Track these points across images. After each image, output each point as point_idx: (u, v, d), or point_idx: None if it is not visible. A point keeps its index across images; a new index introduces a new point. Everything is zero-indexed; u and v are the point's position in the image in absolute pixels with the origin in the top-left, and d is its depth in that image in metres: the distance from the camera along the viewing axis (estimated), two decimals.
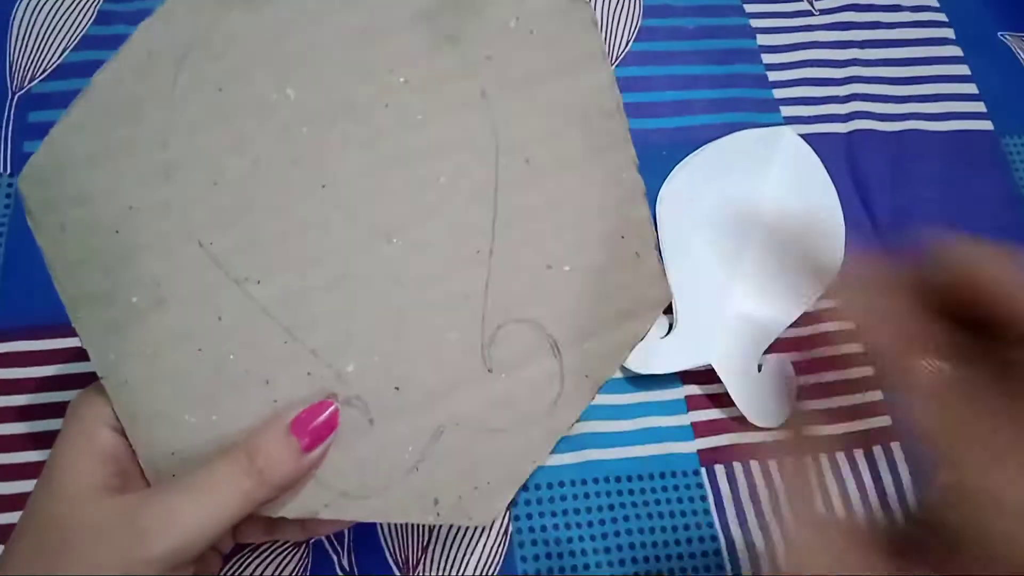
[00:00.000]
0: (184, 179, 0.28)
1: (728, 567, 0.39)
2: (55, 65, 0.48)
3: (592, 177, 0.33)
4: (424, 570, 0.38)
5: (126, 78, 0.27)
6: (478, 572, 0.38)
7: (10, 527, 0.28)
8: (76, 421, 0.29)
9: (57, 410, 0.39)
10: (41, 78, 0.48)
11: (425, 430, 0.31)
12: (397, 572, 0.38)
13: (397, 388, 0.31)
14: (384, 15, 0.30)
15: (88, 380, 0.30)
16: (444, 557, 0.38)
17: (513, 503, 0.37)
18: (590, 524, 0.39)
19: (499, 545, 0.39)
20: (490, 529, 0.39)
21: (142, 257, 0.28)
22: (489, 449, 0.32)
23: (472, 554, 0.38)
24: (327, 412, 0.29)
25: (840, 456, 0.42)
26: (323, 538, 0.38)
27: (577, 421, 0.33)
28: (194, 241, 0.28)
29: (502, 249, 0.32)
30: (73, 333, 0.29)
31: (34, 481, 0.28)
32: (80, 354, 0.30)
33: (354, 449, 0.31)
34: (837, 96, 0.52)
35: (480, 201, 0.31)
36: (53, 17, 0.50)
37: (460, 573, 0.38)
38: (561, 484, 0.40)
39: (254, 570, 0.37)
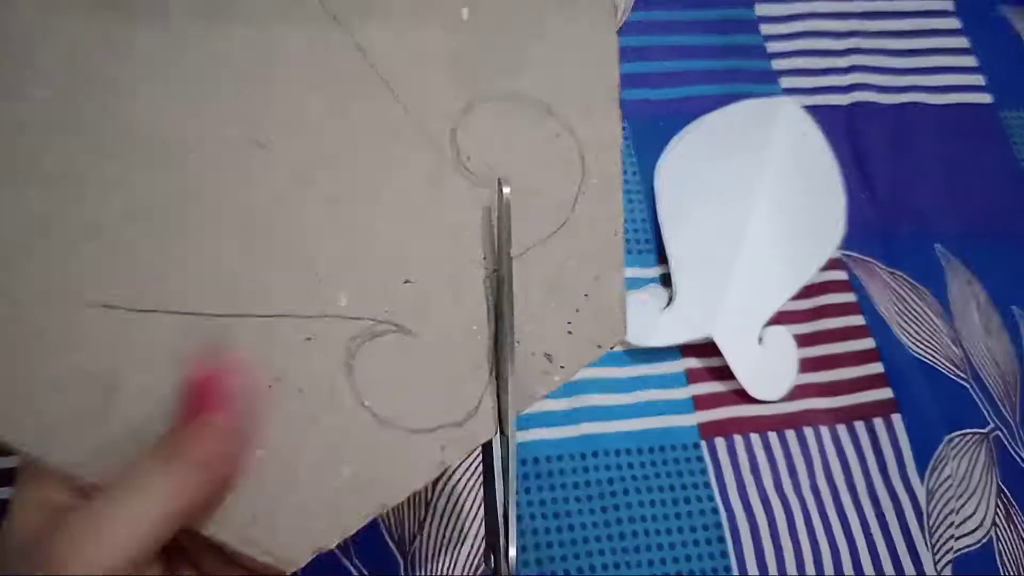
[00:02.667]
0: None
1: (729, 540, 0.38)
2: None
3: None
4: (421, 545, 0.37)
5: None
6: (475, 548, 0.37)
7: None
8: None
9: None
10: None
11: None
12: (394, 548, 0.37)
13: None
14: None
15: None
16: (440, 534, 0.37)
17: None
18: (589, 498, 0.39)
19: None
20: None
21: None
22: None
23: (469, 530, 0.38)
24: (224, 374, 0.24)
25: (841, 428, 0.41)
26: None
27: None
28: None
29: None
30: None
31: None
32: None
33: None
34: (837, 67, 0.51)
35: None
36: None
37: (449, 571, 0.37)
38: (560, 458, 0.39)
39: None
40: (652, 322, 0.42)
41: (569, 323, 0.27)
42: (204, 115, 0.25)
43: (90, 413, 0.23)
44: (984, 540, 0.39)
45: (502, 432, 0.26)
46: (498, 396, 0.26)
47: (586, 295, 0.27)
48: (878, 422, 0.41)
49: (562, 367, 0.27)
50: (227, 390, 0.24)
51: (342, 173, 0.26)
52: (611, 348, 0.27)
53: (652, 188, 0.45)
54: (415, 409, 0.25)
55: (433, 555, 0.37)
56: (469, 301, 0.26)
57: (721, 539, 0.38)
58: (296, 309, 0.25)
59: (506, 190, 0.26)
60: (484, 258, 0.27)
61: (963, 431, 0.42)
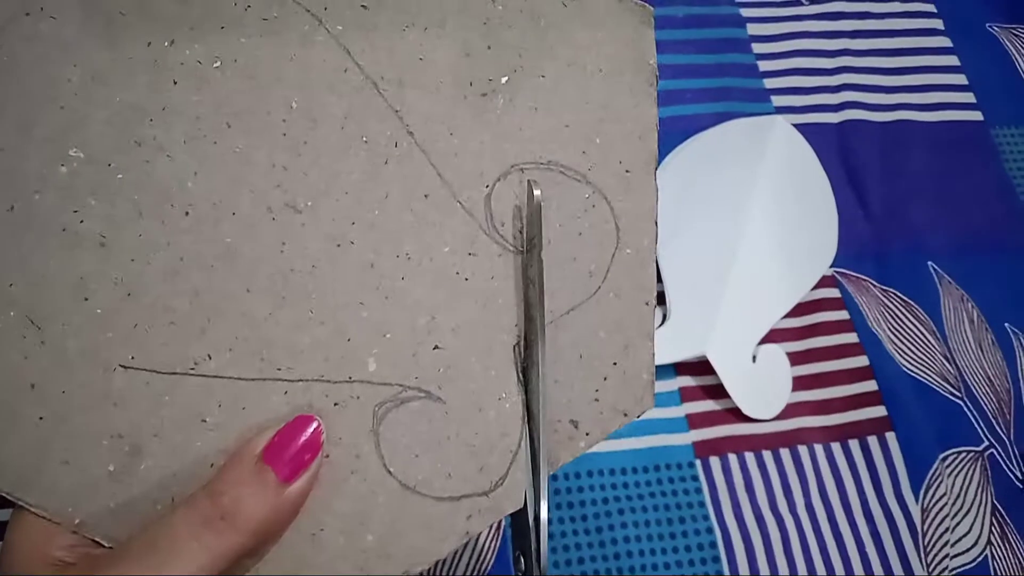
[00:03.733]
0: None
1: (724, 561, 0.38)
2: None
3: None
4: None
5: None
6: (471, 569, 0.37)
7: None
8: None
9: None
10: None
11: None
12: None
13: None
14: None
15: None
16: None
17: None
18: (584, 518, 0.39)
19: (492, 540, 0.38)
20: None
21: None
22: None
23: (464, 550, 0.38)
24: (309, 430, 0.24)
25: (835, 446, 0.41)
26: None
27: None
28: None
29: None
30: None
31: None
32: None
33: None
34: (828, 86, 0.52)
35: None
36: None
37: (452, 571, 0.37)
38: (554, 478, 0.39)
39: None
40: None
41: (596, 391, 0.27)
42: (241, 179, 0.25)
43: (113, 474, 0.24)
44: (979, 559, 0.39)
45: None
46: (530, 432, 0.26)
47: (615, 363, 0.27)
48: (872, 440, 0.41)
49: (587, 434, 0.27)
50: (308, 453, 0.23)
51: (376, 238, 0.26)
52: (637, 417, 0.27)
53: None
54: (441, 477, 0.25)
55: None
56: (498, 369, 0.26)
57: (716, 558, 0.38)
58: (325, 374, 0.25)
59: (537, 192, 0.25)
60: (515, 325, 0.27)
61: (957, 449, 0.42)
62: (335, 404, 0.25)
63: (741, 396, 0.41)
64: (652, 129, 0.28)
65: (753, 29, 0.53)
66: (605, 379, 0.27)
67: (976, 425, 0.42)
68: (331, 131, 0.26)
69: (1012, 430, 0.43)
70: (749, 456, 0.41)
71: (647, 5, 0.29)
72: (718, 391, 0.42)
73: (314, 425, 0.24)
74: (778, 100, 0.51)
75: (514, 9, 0.27)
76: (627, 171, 0.28)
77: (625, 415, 0.27)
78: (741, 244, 0.44)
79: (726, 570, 0.38)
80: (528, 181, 0.26)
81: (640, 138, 0.28)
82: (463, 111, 0.27)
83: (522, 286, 0.27)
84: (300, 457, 0.23)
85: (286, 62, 0.26)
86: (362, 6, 0.27)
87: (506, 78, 0.27)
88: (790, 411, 0.42)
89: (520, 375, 0.26)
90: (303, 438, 0.23)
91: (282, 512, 0.23)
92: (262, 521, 0.22)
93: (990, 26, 0.55)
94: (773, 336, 0.43)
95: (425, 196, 0.26)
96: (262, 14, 0.26)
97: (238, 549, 0.22)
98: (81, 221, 0.24)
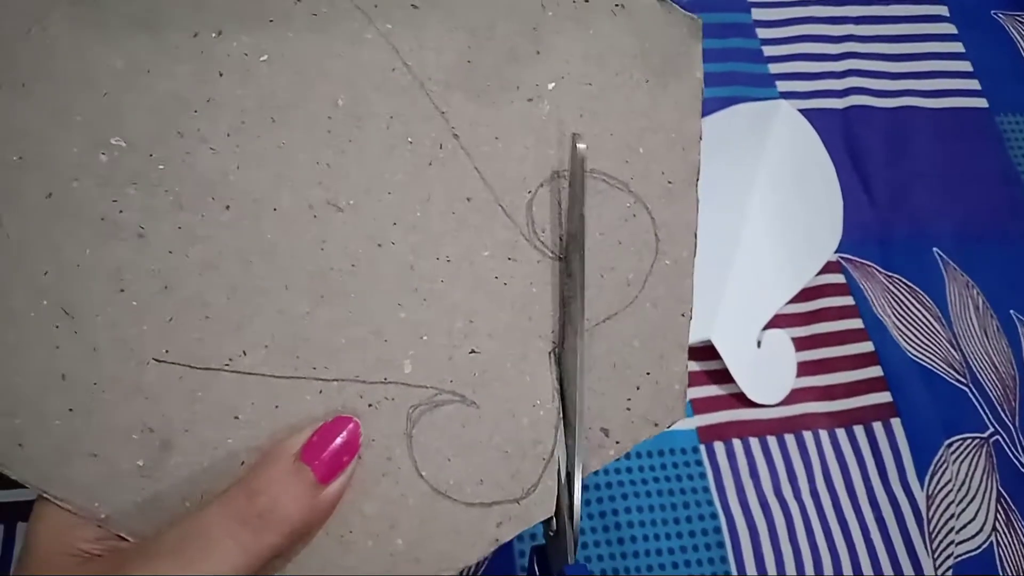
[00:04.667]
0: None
1: (728, 545, 0.38)
2: None
3: None
4: None
5: None
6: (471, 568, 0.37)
7: None
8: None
9: None
10: None
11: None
12: None
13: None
14: None
15: None
16: None
17: None
18: (587, 503, 0.38)
19: None
20: None
21: None
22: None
23: None
24: (347, 430, 0.23)
25: (840, 432, 0.41)
26: None
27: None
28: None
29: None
30: None
31: None
32: None
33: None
34: (833, 71, 0.51)
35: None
36: None
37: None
38: None
39: None
40: None
41: (629, 400, 0.27)
42: (284, 175, 0.25)
43: (142, 468, 0.23)
44: (984, 545, 0.39)
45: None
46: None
47: (648, 373, 0.27)
48: (877, 426, 0.41)
49: (617, 442, 0.27)
50: (347, 455, 0.23)
51: (417, 239, 0.25)
52: (667, 427, 0.27)
53: None
54: (472, 482, 0.25)
55: None
56: (534, 375, 0.26)
57: (720, 544, 0.38)
58: (361, 374, 0.25)
59: (581, 146, 0.25)
60: (552, 332, 0.26)
61: (962, 435, 0.41)
62: (369, 405, 0.24)
63: (746, 381, 0.41)
64: (695, 142, 0.28)
65: (758, 14, 0.53)
66: (638, 388, 0.27)
67: (981, 411, 0.42)
68: (376, 130, 0.25)
69: (1017, 417, 0.42)
70: (753, 441, 0.40)
71: (696, 17, 0.28)
72: (723, 376, 0.41)
73: (351, 425, 0.23)
74: (783, 85, 0.50)
75: (563, 16, 0.27)
76: (669, 182, 0.28)
77: (656, 425, 0.27)
78: (745, 229, 0.44)
79: (730, 555, 0.38)
80: (572, 134, 0.25)
81: (683, 149, 0.28)
82: (509, 115, 0.26)
83: (559, 292, 0.26)
84: (338, 458, 0.23)
85: (334, 59, 0.25)
86: (412, 5, 0.26)
87: (553, 84, 0.27)
88: (795, 396, 0.41)
89: (556, 383, 0.26)
90: (341, 439, 0.23)
91: (318, 513, 0.22)
92: (298, 522, 0.22)
93: (995, 13, 0.55)
94: (778, 321, 0.43)
95: (467, 199, 0.26)
96: (312, 9, 0.25)
97: (273, 549, 0.21)
98: (120, 211, 0.24)
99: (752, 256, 0.43)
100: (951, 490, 0.40)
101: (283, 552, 0.22)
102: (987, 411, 0.42)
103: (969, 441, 0.41)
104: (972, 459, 0.41)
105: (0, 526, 0.35)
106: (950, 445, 0.41)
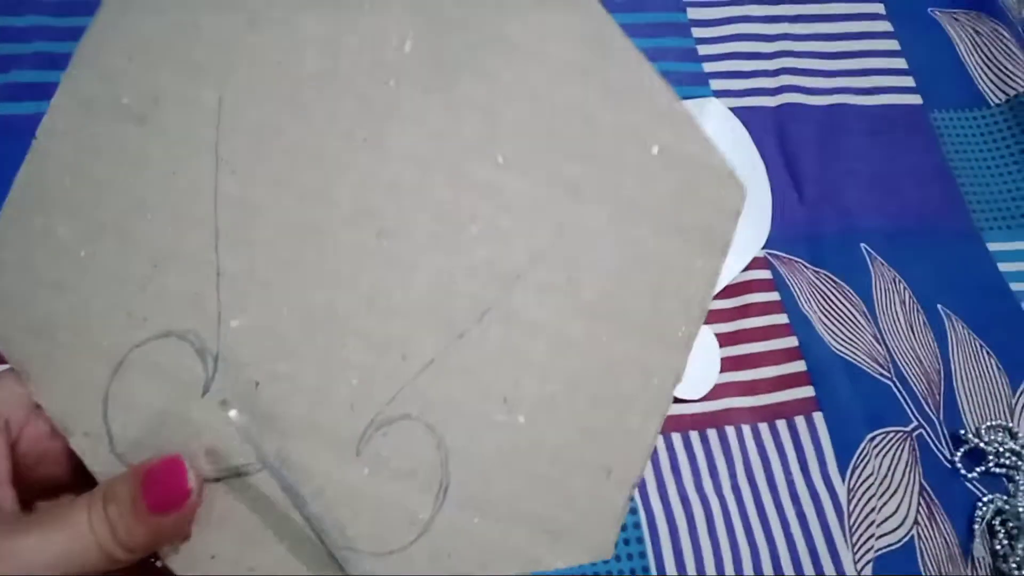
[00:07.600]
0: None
1: (648, 543, 0.38)
2: None
3: None
4: None
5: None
6: None
7: None
8: None
9: None
10: None
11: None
12: None
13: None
14: None
15: None
16: None
17: None
18: None
19: None
20: None
21: None
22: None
23: None
24: (181, 476, 0.22)
25: (763, 426, 0.41)
26: None
27: None
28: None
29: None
30: None
31: None
32: None
33: None
34: (767, 70, 0.51)
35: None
36: None
37: None
38: None
39: None
40: None
41: None
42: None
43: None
44: (905, 539, 0.39)
45: None
46: None
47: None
48: (799, 420, 0.41)
49: None
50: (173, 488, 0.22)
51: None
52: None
53: None
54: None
55: None
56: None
57: (640, 539, 0.38)
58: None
59: None
60: None
61: (885, 429, 0.41)
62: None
63: None
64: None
65: (693, 13, 0.53)
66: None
67: (905, 405, 0.42)
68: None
69: (942, 411, 0.42)
70: (676, 437, 0.41)
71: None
72: None
73: (182, 472, 0.22)
74: (716, 84, 0.51)
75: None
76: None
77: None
78: None
79: (650, 552, 0.38)
80: None
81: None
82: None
83: None
84: (167, 495, 0.22)
85: None
86: None
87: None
88: (718, 392, 0.42)
89: None
90: (173, 481, 0.22)
91: (157, 538, 0.22)
92: (137, 541, 0.22)
93: (932, 10, 0.56)
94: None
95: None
96: None
97: (120, 556, 0.22)
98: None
99: None
100: (873, 483, 0.40)
101: (132, 560, 0.22)
102: (911, 405, 0.42)
103: (892, 435, 0.41)
104: (895, 453, 0.41)
105: None
106: (873, 439, 0.41)
